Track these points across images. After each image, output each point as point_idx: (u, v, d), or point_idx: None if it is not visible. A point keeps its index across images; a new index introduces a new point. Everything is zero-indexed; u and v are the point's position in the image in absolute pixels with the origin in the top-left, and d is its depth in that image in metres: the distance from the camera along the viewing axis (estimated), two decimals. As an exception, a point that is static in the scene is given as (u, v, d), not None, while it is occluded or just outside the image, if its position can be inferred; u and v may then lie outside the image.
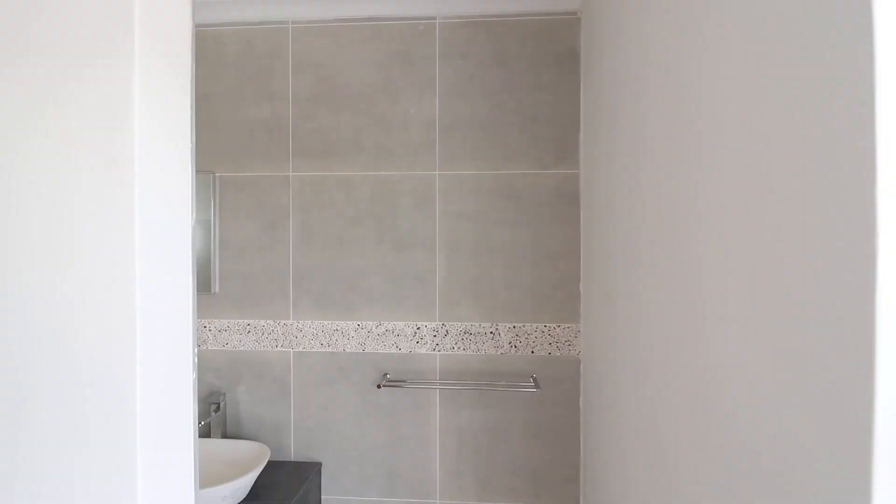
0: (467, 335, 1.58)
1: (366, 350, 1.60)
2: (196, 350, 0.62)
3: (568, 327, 1.55)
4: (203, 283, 1.63)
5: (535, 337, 1.56)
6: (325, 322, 1.61)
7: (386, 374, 1.59)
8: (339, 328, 1.61)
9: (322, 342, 1.61)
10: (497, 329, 1.57)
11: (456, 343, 1.58)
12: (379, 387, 1.52)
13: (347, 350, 1.60)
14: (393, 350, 1.59)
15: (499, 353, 1.57)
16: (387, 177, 1.60)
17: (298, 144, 1.62)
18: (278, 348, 1.63)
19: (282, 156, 1.62)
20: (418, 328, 1.59)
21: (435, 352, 1.58)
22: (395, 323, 1.59)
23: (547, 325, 1.55)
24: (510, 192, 1.57)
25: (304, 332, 1.62)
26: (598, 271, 1.30)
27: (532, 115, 1.56)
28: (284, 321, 1.63)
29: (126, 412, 0.57)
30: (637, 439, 0.93)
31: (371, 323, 1.60)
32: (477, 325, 1.58)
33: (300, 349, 1.62)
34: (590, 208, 1.41)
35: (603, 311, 1.24)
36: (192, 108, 0.64)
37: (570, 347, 1.55)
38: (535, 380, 1.53)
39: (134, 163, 0.58)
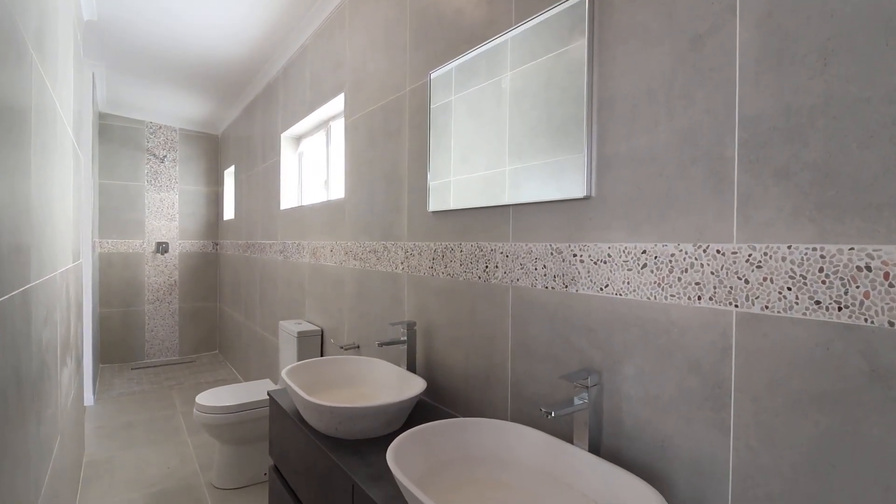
0: None
1: None
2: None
3: None
4: (569, 180, 0.97)
5: None
6: (828, 247, 0.64)
7: None
8: (869, 265, 0.60)
9: (818, 295, 0.64)
10: None
11: None
12: None
13: (908, 321, 0.57)
14: None
15: None
16: None
17: None
18: (703, 302, 0.78)
19: None
20: None
21: None
22: None
23: None
24: None
25: (766, 268, 0.70)
26: None
27: None
28: (718, 245, 0.76)
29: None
30: None
31: None
32: None
33: (755, 309, 0.71)
34: None
35: None
36: None
37: None
38: None
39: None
